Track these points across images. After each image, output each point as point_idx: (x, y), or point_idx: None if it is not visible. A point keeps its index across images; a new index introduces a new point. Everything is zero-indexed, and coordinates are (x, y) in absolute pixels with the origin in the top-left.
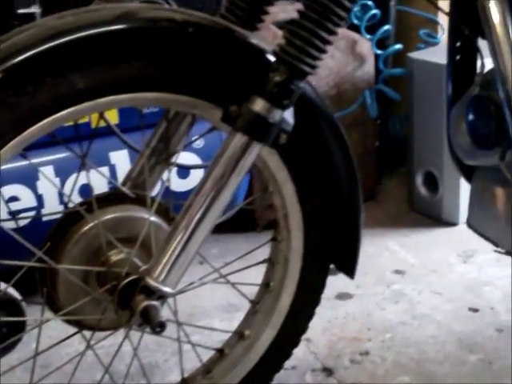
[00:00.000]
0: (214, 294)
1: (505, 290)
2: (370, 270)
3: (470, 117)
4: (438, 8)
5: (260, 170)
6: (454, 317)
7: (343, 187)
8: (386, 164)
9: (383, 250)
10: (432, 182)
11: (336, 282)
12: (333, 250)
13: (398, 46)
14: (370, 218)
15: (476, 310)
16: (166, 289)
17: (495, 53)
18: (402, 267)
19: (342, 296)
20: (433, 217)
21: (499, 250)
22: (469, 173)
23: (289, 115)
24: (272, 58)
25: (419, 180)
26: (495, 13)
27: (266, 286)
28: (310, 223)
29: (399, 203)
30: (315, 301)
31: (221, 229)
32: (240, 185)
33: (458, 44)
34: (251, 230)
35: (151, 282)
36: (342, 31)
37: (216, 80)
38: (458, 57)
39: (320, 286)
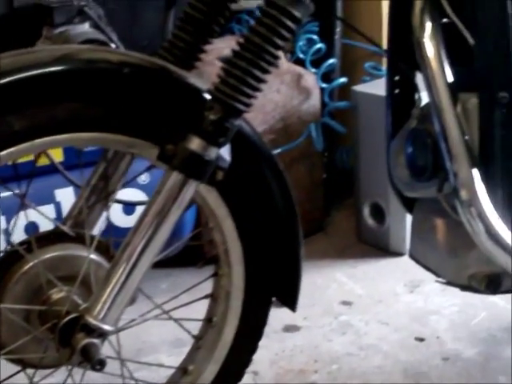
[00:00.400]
0: (162, 329)
1: (451, 318)
2: (318, 301)
3: (408, 150)
4: (375, 44)
5: (200, 206)
6: (400, 346)
7: (283, 222)
8: (334, 196)
9: (331, 282)
10: (379, 213)
11: (283, 315)
12: (274, 283)
13: (343, 80)
14: (318, 249)
15: (422, 340)
16: (106, 326)
17: (430, 87)
18: (349, 298)
19: (290, 328)
20: (380, 247)
21: (440, 280)
22: (410, 204)
23: (225, 152)
24: (208, 97)
25: (366, 211)
26: (430, 48)
27: (208, 321)
28: (251, 258)
29: (347, 234)
30: (258, 335)
31: (171, 263)
32: (186, 219)
33: (397, 78)
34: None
35: (91, 320)
36: (288, 65)
37: (152, 119)
38: (396, 90)
39: (262, 320)
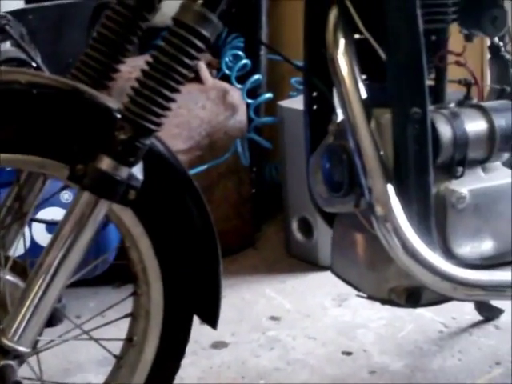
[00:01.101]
0: (90, 349)
1: (378, 331)
2: (246, 317)
3: (325, 166)
4: (290, 63)
5: (116, 225)
6: (327, 361)
7: (200, 240)
8: (264, 211)
9: (260, 297)
10: (307, 228)
11: (211, 331)
12: (194, 301)
13: (269, 95)
14: (248, 265)
15: (349, 353)
16: (22, 348)
17: (344, 104)
18: (277, 313)
19: (218, 345)
20: (309, 261)
21: (361, 294)
22: (331, 219)
23: (137, 171)
24: (118, 117)
25: (294, 226)
26: (343, 64)
27: (129, 340)
28: (169, 276)
29: (277, 249)
30: (180, 353)
31: (98, 282)
32: (111, 238)
33: (315, 94)
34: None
35: (5, 341)
36: (213, 82)
37: (63, 139)
38: (314, 106)
39: (184, 338)
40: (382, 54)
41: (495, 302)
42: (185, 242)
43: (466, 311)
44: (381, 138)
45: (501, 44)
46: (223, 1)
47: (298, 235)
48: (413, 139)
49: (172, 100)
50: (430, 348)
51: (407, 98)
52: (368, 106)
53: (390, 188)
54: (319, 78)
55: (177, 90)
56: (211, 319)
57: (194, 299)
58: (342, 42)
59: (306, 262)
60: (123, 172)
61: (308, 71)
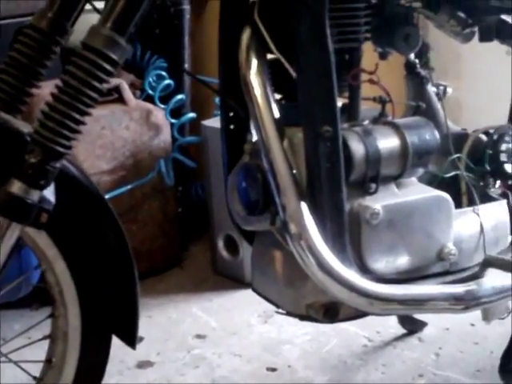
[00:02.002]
0: (16, 371)
1: (303, 347)
2: (172, 336)
3: (241, 185)
4: (205, 84)
5: (31, 248)
6: (252, 377)
7: (116, 261)
8: (190, 230)
9: (186, 316)
10: (233, 245)
11: (138, 351)
12: (113, 321)
13: (192, 115)
14: (174, 284)
15: (274, 370)
16: None
17: (257, 123)
18: (203, 331)
19: (143, 364)
20: (235, 279)
21: (280, 311)
22: (251, 237)
23: (49, 194)
24: (29, 140)
25: (220, 244)
26: (256, 85)
27: (48, 362)
28: (86, 298)
29: (204, 268)
30: (99, 374)
31: (23, 304)
32: (34, 261)
33: (231, 114)
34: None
35: None
36: (136, 102)
37: None
38: (231, 126)
39: (103, 359)
40: (294, 74)
41: (418, 315)
42: (101, 263)
43: (390, 325)
44: (294, 157)
45: (416, 61)
46: (131, 24)
47: (224, 253)
48: (325, 157)
49: (82, 123)
50: (354, 362)
51: (318, 117)
52: (281, 125)
53: (304, 206)
54: (235, 98)
55: (87, 113)
56: (130, 339)
57: (112, 320)
58: (254, 62)
59: (233, 279)
60: (34, 195)
61: (222, 92)
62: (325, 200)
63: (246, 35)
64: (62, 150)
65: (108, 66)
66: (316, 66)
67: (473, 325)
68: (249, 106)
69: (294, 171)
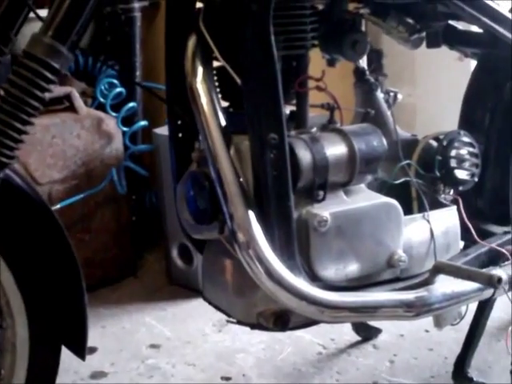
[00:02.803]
0: None
1: (257, 355)
2: (126, 346)
3: (189, 193)
4: (152, 93)
5: None
6: None
7: (63, 271)
8: (145, 238)
9: (140, 326)
10: (187, 254)
11: (91, 362)
12: (62, 332)
13: (143, 123)
14: (129, 293)
15: (228, 378)
16: None
17: (204, 132)
18: (157, 341)
19: (97, 375)
20: (190, 288)
21: (231, 320)
22: (201, 246)
23: None
24: None
25: (175, 253)
26: (202, 93)
27: None
28: (33, 308)
29: (158, 277)
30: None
31: None
32: None
33: (180, 122)
34: None
35: None
36: (88, 111)
37: None
38: (180, 134)
39: (52, 369)
40: (239, 81)
41: (373, 322)
42: (47, 274)
43: (345, 332)
44: (241, 165)
45: (365, 68)
46: (73, 33)
47: (179, 262)
48: (271, 165)
49: (24, 132)
50: (309, 370)
51: (264, 124)
52: (228, 133)
53: (252, 214)
54: (183, 106)
55: (29, 123)
56: (79, 350)
57: (61, 330)
58: (200, 70)
59: (188, 288)
60: None
61: (169, 100)
62: (272, 208)
63: (191, 43)
64: (4, 159)
65: (49, 75)
66: (261, 73)
67: (427, 331)
68: (195, 113)
69: (241, 179)
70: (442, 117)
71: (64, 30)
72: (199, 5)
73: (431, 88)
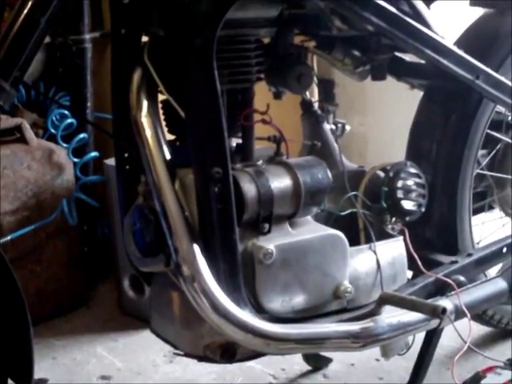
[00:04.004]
0: None
1: None
2: (77, 378)
3: (135, 226)
4: (102, 130)
5: None
6: None
7: (6, 304)
8: (97, 269)
9: (91, 357)
10: (139, 285)
11: None
12: (7, 365)
13: (94, 154)
14: (80, 324)
15: None
16: None
17: (148, 165)
18: (108, 372)
19: None
20: (142, 318)
21: (179, 352)
22: (149, 278)
23: None
24: None
25: (126, 283)
26: (146, 126)
27: None
28: None
29: (110, 307)
30: None
31: None
32: None
33: (126, 155)
34: None
35: None
36: (38, 142)
37: None
38: (127, 167)
39: None
40: (183, 115)
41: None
42: None
43: (296, 361)
44: (185, 198)
45: (312, 99)
46: (15, 69)
47: (130, 293)
48: (216, 199)
49: None
50: None
51: (208, 158)
52: (173, 166)
53: (196, 247)
54: (130, 138)
55: None
56: (26, 383)
57: (6, 364)
58: (145, 103)
59: (139, 319)
60: None
61: (116, 133)
62: (217, 241)
63: (136, 76)
64: None
65: None
66: (204, 107)
67: (377, 360)
68: (139, 147)
69: (186, 213)
70: (394, 145)
71: (6, 67)
72: (145, 38)
73: (382, 117)
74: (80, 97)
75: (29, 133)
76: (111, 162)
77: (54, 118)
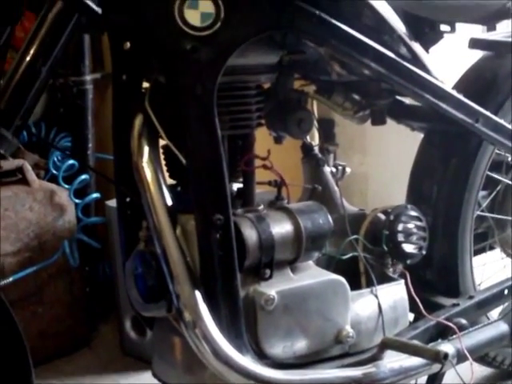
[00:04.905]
0: None
1: None
2: None
3: (136, 272)
4: (104, 177)
5: None
6: None
7: (7, 348)
8: (99, 309)
9: None
10: (141, 326)
11: None
12: None
13: (96, 195)
14: (82, 365)
15: None
16: None
17: (150, 210)
18: None
19: None
20: (143, 360)
21: None
22: (151, 322)
23: None
24: None
25: (128, 324)
26: (148, 172)
27: None
28: None
29: (112, 348)
30: None
31: None
32: None
33: (128, 199)
34: None
35: None
36: (40, 183)
37: None
38: (128, 211)
39: None
40: (184, 161)
41: None
42: None
43: None
44: (187, 244)
45: (313, 143)
46: (17, 118)
47: (132, 334)
48: (217, 245)
49: None
50: None
51: (209, 205)
52: (174, 212)
53: (198, 294)
54: (131, 183)
55: None
56: None
57: None
58: (146, 149)
59: (141, 360)
60: None
61: (117, 178)
62: (219, 287)
63: (137, 122)
64: None
65: None
66: (205, 154)
67: None
68: (141, 192)
69: (188, 258)
70: (395, 185)
71: (8, 116)
72: (146, 84)
73: (383, 156)
74: (81, 138)
75: (30, 174)
76: (113, 203)
77: (56, 159)
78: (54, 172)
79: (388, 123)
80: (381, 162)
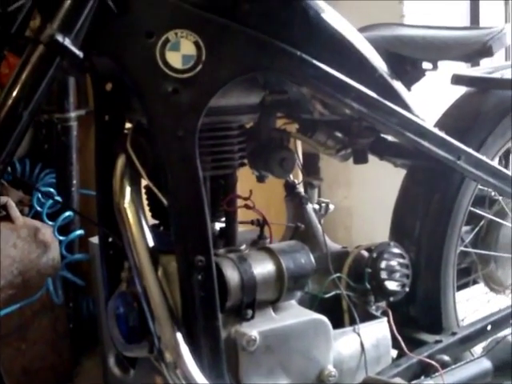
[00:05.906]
0: None
1: None
2: None
3: (118, 312)
4: (87, 219)
5: None
6: None
7: None
8: (83, 345)
9: None
10: (124, 362)
11: None
12: None
13: (80, 232)
14: None
15: None
16: None
17: (131, 251)
18: None
19: None
20: None
21: None
22: (134, 361)
23: None
24: None
25: (112, 361)
26: (129, 213)
27: None
28: None
29: None
30: None
31: None
32: None
33: (111, 239)
34: None
35: None
36: (24, 220)
37: None
38: (111, 252)
39: None
40: (165, 202)
41: None
42: None
43: None
44: (168, 285)
45: (295, 181)
46: (3, 156)
47: (116, 370)
48: (198, 286)
49: None
50: None
51: (190, 246)
52: (156, 253)
53: (179, 335)
54: (114, 224)
55: None
56: None
57: None
58: (128, 190)
59: None
60: None
61: (99, 219)
62: (200, 328)
63: (120, 162)
64: None
65: None
66: (186, 195)
67: None
68: (122, 233)
69: (169, 299)
70: (379, 218)
71: None
72: (129, 124)
73: (367, 190)
74: (65, 174)
75: (14, 211)
76: (96, 240)
77: (40, 196)
78: (38, 209)
79: (372, 157)
80: (366, 196)
